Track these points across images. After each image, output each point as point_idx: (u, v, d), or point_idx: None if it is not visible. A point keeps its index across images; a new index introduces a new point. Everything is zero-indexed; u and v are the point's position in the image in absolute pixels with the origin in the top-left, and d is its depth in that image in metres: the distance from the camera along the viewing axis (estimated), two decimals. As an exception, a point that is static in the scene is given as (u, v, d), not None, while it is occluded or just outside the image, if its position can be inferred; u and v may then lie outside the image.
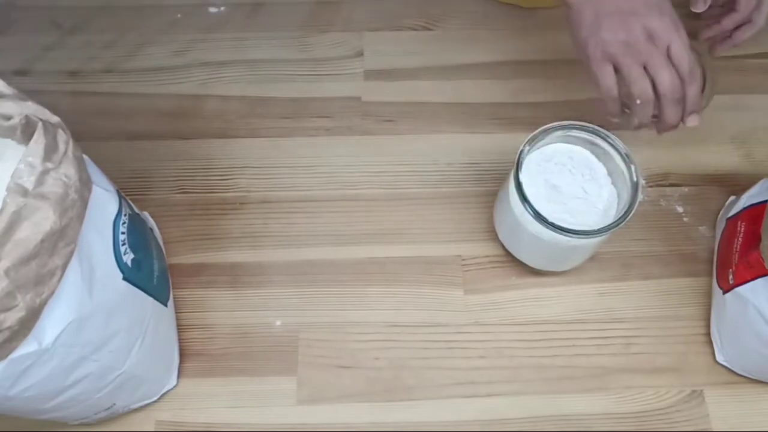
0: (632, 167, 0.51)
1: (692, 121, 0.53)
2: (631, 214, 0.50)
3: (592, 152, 0.55)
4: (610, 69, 0.51)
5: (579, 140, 0.54)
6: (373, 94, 0.69)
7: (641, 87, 0.50)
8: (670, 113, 0.52)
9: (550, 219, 0.49)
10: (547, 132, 0.52)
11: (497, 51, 0.71)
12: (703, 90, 0.53)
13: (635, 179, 0.51)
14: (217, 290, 0.59)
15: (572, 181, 0.54)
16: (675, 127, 0.54)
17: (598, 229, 0.50)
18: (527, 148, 0.52)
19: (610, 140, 0.53)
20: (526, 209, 0.50)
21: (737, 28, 0.59)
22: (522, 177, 0.51)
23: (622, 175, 0.52)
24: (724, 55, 0.61)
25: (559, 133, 0.53)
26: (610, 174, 0.54)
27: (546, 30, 0.72)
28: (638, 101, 0.51)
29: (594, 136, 0.53)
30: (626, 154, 0.52)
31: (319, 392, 0.55)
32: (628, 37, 0.49)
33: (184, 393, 0.55)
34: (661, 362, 0.57)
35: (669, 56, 0.50)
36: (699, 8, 0.55)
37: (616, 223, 0.50)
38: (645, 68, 0.50)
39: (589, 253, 0.57)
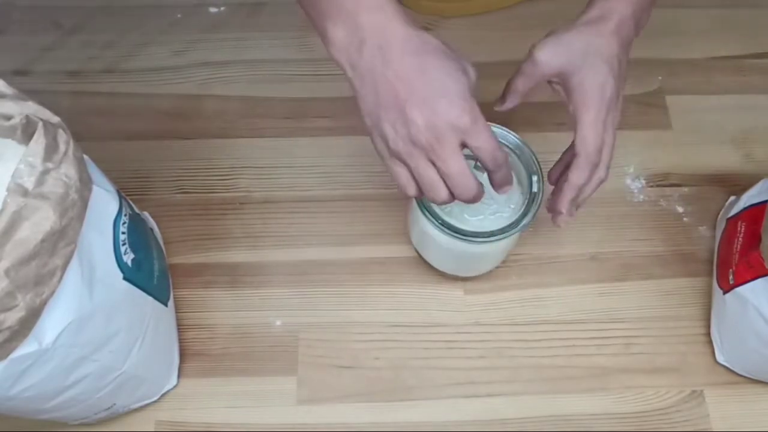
0: (534, 177, 0.49)
1: (503, 190, 0.46)
2: (522, 224, 0.48)
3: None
4: (401, 166, 0.43)
5: None
6: (373, 94, 0.69)
7: (432, 193, 0.43)
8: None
9: (447, 222, 0.48)
10: None
11: (497, 51, 0.71)
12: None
13: (534, 190, 0.49)
14: (217, 290, 0.59)
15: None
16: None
17: (480, 233, 0.48)
18: None
19: (517, 150, 0.50)
20: (420, 209, 0.48)
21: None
22: None
23: (527, 184, 0.50)
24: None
25: None
26: (520, 182, 0.52)
27: (546, 30, 0.72)
28: (434, 205, 0.47)
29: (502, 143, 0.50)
30: (529, 165, 0.50)
31: (319, 392, 0.55)
32: (409, 131, 0.40)
33: (184, 393, 0.55)
34: (661, 362, 0.57)
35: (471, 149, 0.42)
36: (500, 106, 0.49)
37: (501, 231, 0.48)
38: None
39: (491, 260, 0.56)
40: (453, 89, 0.41)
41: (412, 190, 0.44)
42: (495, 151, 0.42)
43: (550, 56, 0.47)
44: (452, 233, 0.48)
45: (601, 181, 0.48)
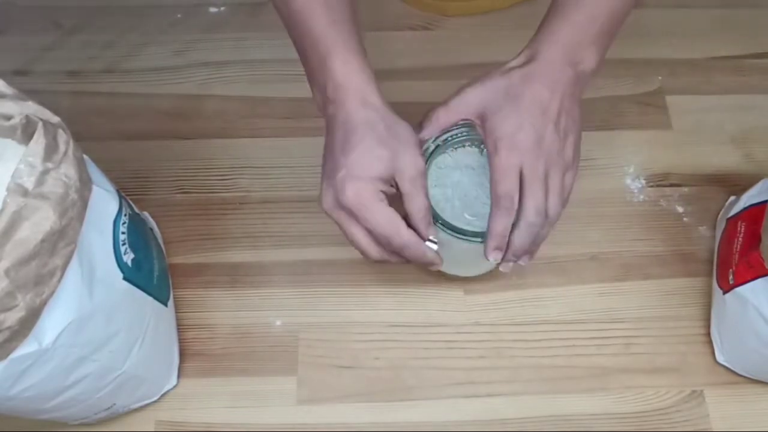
0: None
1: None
2: None
3: None
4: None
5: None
6: (373, 94, 0.69)
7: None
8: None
9: (447, 222, 0.48)
10: (457, 134, 0.50)
11: (497, 51, 0.71)
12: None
13: None
14: (217, 290, 0.59)
15: (479, 185, 0.52)
16: (431, 264, 0.49)
17: (480, 233, 0.48)
18: (432, 146, 0.50)
19: None
20: None
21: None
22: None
23: None
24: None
25: (468, 137, 0.51)
26: None
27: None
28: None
29: None
30: None
31: (319, 392, 0.55)
32: (326, 197, 0.46)
33: (184, 393, 0.55)
34: (661, 362, 0.57)
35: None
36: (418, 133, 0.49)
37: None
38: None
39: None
40: (360, 172, 0.44)
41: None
42: (386, 236, 0.45)
43: (474, 96, 0.47)
44: (452, 233, 0.48)
45: (533, 227, 0.46)
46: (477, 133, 0.50)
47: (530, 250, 0.48)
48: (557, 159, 0.46)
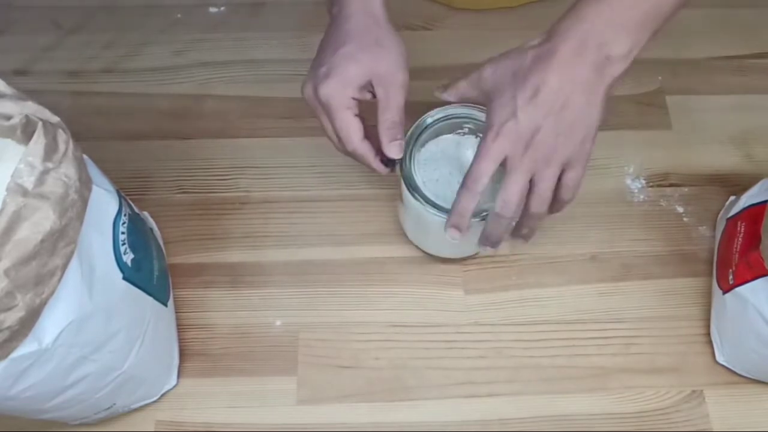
0: None
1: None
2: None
3: None
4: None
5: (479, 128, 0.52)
6: (373, 94, 0.69)
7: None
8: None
9: (429, 195, 0.49)
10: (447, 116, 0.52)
11: (497, 51, 0.71)
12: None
13: None
14: (217, 290, 0.59)
15: (458, 169, 0.52)
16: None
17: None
18: (416, 130, 0.51)
19: None
20: (404, 185, 0.50)
21: None
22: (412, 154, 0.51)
23: None
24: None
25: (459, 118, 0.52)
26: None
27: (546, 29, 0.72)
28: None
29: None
30: None
31: (319, 392, 0.55)
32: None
33: (184, 393, 0.55)
34: (661, 362, 0.57)
35: None
36: (440, 92, 0.50)
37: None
38: None
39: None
40: (338, 73, 0.47)
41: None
42: (342, 138, 0.49)
43: (488, 74, 0.47)
44: (424, 203, 0.49)
45: (498, 218, 0.46)
46: (466, 117, 0.52)
47: (494, 240, 0.49)
48: (550, 155, 0.43)
